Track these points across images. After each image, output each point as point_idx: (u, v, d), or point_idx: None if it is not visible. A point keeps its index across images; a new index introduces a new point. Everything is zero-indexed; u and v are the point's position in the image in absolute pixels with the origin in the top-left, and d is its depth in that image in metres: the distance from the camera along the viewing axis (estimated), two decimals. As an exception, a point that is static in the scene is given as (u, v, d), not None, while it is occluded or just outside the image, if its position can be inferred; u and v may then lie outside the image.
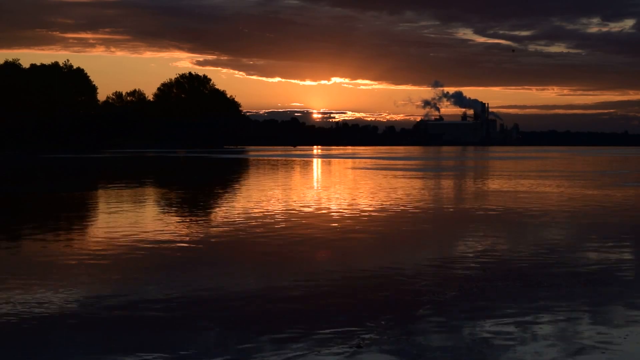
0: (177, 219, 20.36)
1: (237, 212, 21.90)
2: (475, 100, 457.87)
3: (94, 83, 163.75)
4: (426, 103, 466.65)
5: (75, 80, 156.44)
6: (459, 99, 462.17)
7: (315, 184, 37.00)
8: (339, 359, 7.43)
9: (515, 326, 8.68)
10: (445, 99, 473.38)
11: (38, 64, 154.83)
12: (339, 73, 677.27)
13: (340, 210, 22.56)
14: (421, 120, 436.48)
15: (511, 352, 7.68)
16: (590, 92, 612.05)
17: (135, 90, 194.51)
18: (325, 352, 7.63)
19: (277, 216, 20.59)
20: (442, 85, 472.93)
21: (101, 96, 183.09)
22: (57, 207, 24.69)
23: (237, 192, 31.41)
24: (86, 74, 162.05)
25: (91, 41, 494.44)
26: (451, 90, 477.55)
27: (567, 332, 8.48)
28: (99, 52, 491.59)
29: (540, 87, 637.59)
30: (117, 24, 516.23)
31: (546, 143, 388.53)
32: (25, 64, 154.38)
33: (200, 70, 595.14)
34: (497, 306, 9.68)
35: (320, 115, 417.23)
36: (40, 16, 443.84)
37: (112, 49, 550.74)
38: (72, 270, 12.14)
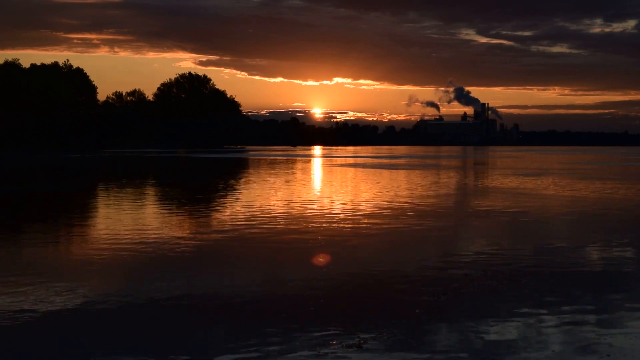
0: (178, 218, 20.38)
1: (238, 211, 21.92)
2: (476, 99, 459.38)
3: (93, 83, 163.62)
4: (433, 104, 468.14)
5: (76, 80, 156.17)
6: (463, 97, 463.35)
7: (313, 183, 37.02)
8: (339, 359, 7.45)
9: (517, 326, 8.70)
10: (454, 99, 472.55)
11: (38, 63, 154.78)
12: (341, 73, 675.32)
13: (340, 209, 22.58)
14: (421, 120, 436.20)
15: (512, 352, 7.69)
16: (592, 93, 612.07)
17: (135, 90, 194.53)
18: (325, 351, 7.65)
19: (276, 216, 20.60)
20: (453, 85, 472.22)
21: (104, 96, 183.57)
22: (57, 207, 24.68)
23: (237, 191, 31.42)
24: (86, 73, 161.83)
25: (95, 42, 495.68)
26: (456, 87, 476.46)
27: (569, 332, 8.50)
28: (102, 52, 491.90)
29: (542, 88, 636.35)
30: (121, 24, 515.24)
31: (546, 143, 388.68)
32: (28, 64, 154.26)
33: (203, 71, 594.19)
34: (498, 306, 9.70)
35: (322, 116, 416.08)
36: (44, 17, 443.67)
37: (116, 50, 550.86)
38: (74, 270, 12.16)
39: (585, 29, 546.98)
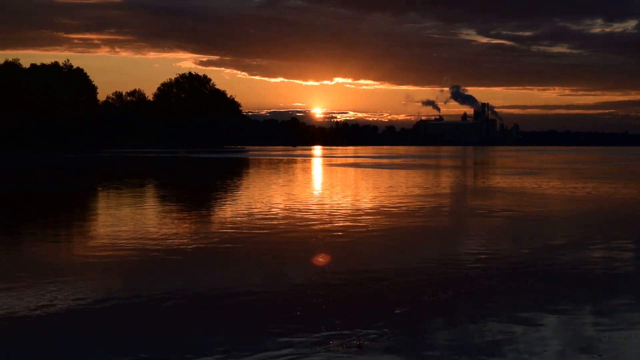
0: (178, 218, 20.36)
1: (238, 211, 21.92)
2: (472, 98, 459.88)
3: (93, 83, 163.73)
4: (429, 102, 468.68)
5: (76, 80, 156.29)
6: (460, 96, 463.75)
7: (313, 183, 37.02)
8: (339, 359, 7.45)
9: (517, 326, 8.70)
10: (451, 99, 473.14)
11: (38, 63, 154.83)
12: (341, 73, 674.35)
13: (340, 209, 22.57)
14: (421, 120, 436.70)
15: (513, 353, 7.69)
16: (592, 92, 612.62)
17: (135, 90, 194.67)
18: (325, 351, 7.65)
19: (276, 216, 20.60)
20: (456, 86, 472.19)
21: (104, 96, 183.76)
22: (57, 207, 24.68)
23: (237, 191, 31.41)
24: (86, 73, 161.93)
25: (96, 42, 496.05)
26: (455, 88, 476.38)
27: (569, 332, 8.50)
28: (103, 52, 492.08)
29: (542, 88, 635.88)
30: (122, 24, 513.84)
31: (546, 143, 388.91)
32: (28, 64, 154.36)
33: (203, 71, 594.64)
34: (498, 306, 9.70)
35: (322, 116, 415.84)
36: (44, 17, 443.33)
37: (117, 50, 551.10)
38: (74, 270, 12.15)
39: (585, 29, 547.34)
